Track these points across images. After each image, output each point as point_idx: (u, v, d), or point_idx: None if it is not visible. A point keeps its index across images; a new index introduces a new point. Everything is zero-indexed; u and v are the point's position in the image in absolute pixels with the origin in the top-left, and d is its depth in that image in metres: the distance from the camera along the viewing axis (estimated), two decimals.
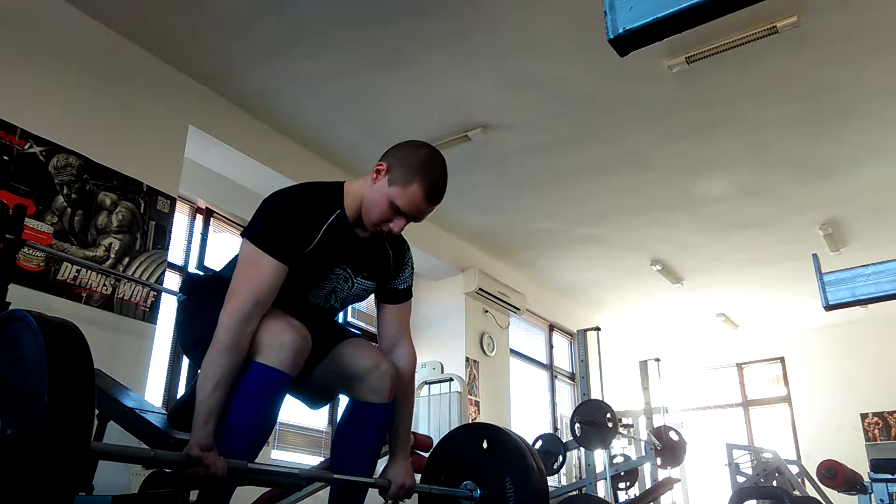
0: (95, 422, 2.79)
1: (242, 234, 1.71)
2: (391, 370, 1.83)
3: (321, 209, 1.75)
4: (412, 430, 3.98)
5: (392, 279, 1.94)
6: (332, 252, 1.76)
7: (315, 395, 1.95)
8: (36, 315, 1.24)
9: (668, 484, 5.68)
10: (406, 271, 1.98)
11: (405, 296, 1.97)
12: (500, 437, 1.99)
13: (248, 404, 1.60)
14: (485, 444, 1.97)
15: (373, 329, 5.87)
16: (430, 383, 5.72)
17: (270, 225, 1.68)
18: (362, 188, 1.80)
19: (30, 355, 1.21)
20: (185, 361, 3.53)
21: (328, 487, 2.02)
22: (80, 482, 1.19)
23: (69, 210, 3.38)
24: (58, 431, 1.13)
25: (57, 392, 1.15)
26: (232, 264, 1.81)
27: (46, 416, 1.12)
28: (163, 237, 3.82)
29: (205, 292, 1.84)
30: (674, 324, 8.67)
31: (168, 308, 3.82)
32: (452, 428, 5.32)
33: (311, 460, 4.97)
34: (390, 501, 1.90)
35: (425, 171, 1.75)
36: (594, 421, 4.90)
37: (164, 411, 2.83)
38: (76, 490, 1.17)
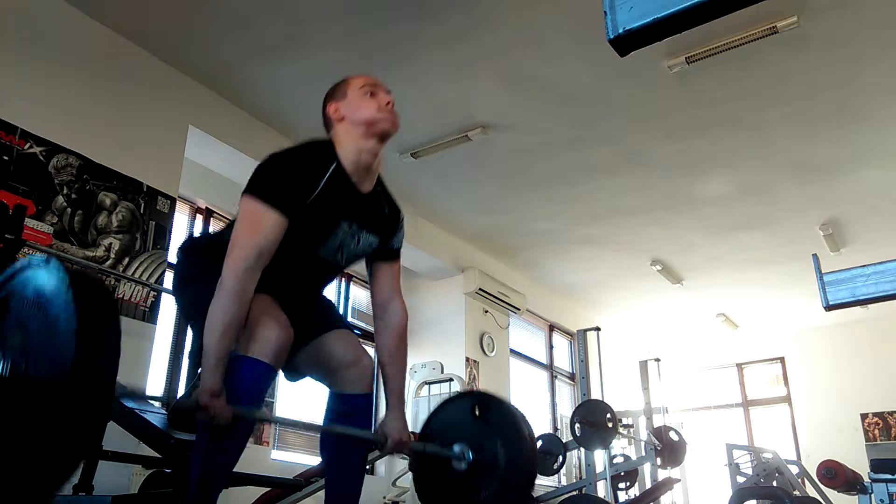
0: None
1: (242, 193, 1.74)
2: (371, 365, 1.90)
3: (318, 161, 1.79)
4: (411, 430, 3.99)
5: (391, 236, 2.00)
6: (335, 205, 1.80)
7: (294, 371, 2.00)
8: (60, 261, 1.25)
9: (668, 484, 5.68)
10: (401, 230, 2.04)
11: (398, 254, 2.05)
12: (491, 404, 2.03)
13: (235, 394, 1.64)
14: (476, 411, 2.01)
15: (372, 329, 5.88)
16: (429, 383, 5.73)
17: (268, 179, 1.73)
18: (340, 130, 1.87)
19: (55, 301, 1.20)
20: (185, 362, 3.52)
21: None
22: (102, 431, 1.20)
23: (69, 210, 3.38)
24: (85, 376, 1.13)
25: (85, 337, 1.14)
26: (231, 226, 1.83)
27: (75, 360, 1.12)
28: (163, 237, 3.82)
29: (204, 256, 1.86)
30: (674, 324, 8.67)
31: (168, 308, 3.82)
32: None
33: (312, 460, 4.97)
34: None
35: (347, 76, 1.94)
36: (594, 421, 4.90)
37: (164, 411, 2.83)
38: (99, 438, 1.18)
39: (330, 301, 2.12)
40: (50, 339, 1.19)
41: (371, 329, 5.90)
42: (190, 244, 2.06)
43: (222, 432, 1.58)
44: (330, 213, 1.80)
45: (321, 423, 1.88)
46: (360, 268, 6.23)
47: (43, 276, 1.25)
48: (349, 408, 1.86)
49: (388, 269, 2.01)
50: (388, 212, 1.97)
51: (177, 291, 1.96)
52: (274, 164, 1.76)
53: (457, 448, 1.94)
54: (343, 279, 5.91)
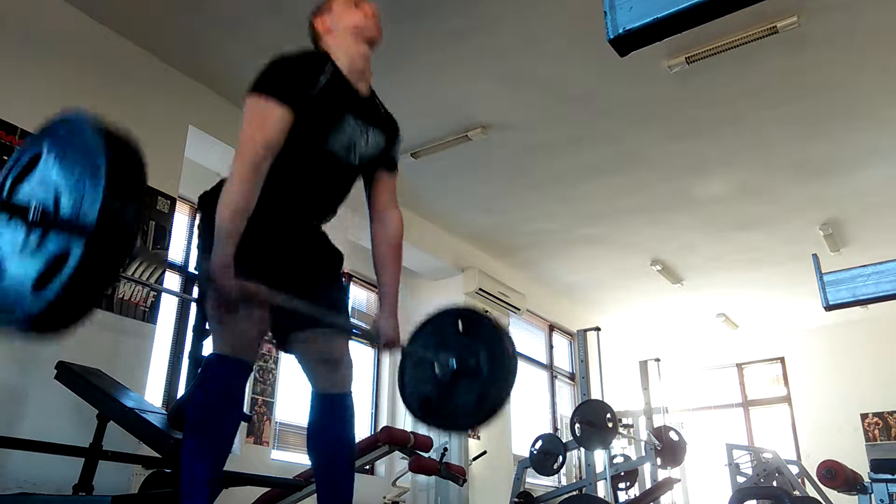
0: (98, 420, 2.79)
1: (247, 94, 1.80)
2: (352, 365, 1.94)
3: (317, 61, 1.89)
4: (412, 431, 3.99)
5: (393, 142, 2.05)
6: (339, 100, 1.87)
7: (285, 346, 2.01)
8: (94, 115, 1.34)
9: (668, 484, 5.69)
10: (399, 140, 2.10)
11: (396, 165, 2.10)
12: (474, 318, 2.12)
13: (211, 393, 1.72)
14: (460, 326, 2.10)
15: None
16: None
17: (271, 75, 1.80)
18: (329, 41, 1.97)
19: (87, 153, 1.27)
20: (185, 362, 3.50)
21: None
22: (118, 276, 1.28)
23: None
24: (111, 226, 1.20)
25: (114, 189, 1.21)
26: None
27: (102, 211, 1.19)
28: (163, 237, 3.82)
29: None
30: (674, 324, 8.67)
31: (168, 308, 3.82)
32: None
33: None
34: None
35: None
36: (594, 421, 4.90)
37: (164, 411, 2.84)
38: (115, 281, 1.26)
39: (345, 293, 2.12)
40: (80, 189, 1.25)
41: None
42: (209, 193, 2.01)
43: (232, 307, 1.64)
44: (335, 107, 1.85)
45: (324, 315, 1.87)
46: (359, 268, 6.20)
47: (77, 130, 1.33)
48: (329, 407, 1.88)
49: (388, 179, 2.06)
50: (386, 117, 2.04)
51: (197, 254, 1.97)
52: (275, 63, 1.82)
53: (442, 356, 2.03)
54: (343, 279, 5.91)
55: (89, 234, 1.19)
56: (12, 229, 1.29)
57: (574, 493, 5.21)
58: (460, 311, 2.20)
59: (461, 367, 2.02)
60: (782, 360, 8.87)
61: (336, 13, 1.97)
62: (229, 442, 1.74)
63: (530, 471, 5.42)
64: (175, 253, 4.27)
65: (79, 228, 1.21)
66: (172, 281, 4.28)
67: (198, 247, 1.89)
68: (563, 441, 5.34)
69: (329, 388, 1.88)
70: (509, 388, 2.05)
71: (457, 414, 2.05)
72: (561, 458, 5.22)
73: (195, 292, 3.27)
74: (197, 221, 2.01)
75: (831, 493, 5.39)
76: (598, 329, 5.66)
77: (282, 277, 1.78)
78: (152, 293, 3.66)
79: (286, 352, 2.01)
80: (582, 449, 5.18)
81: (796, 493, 5.36)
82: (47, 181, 1.32)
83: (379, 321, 1.99)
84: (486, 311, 2.26)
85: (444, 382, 2.04)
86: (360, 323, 1.94)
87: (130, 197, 1.24)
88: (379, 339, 1.96)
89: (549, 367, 7.71)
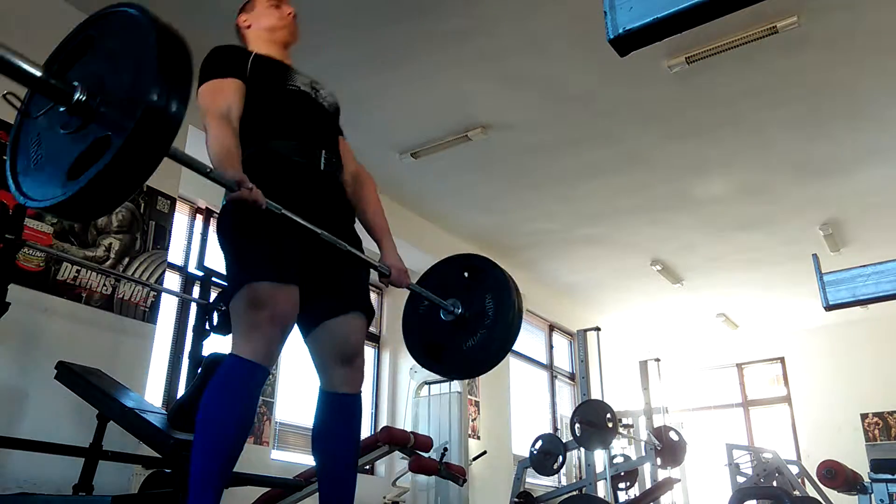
0: (98, 420, 2.78)
1: (197, 90, 1.88)
2: (363, 366, 1.95)
3: (242, 49, 2.04)
4: (412, 431, 3.99)
5: (339, 109, 2.14)
6: (276, 63, 2.02)
7: (305, 328, 1.98)
8: (147, 11, 1.33)
9: (668, 484, 5.68)
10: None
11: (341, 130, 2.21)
12: (481, 266, 2.18)
13: (226, 396, 1.69)
14: (466, 274, 2.16)
15: (373, 330, 5.88)
16: (430, 384, 5.72)
17: (209, 64, 1.92)
18: (249, 36, 2.11)
19: (139, 43, 1.27)
20: (185, 362, 3.50)
21: None
22: (152, 171, 1.28)
23: None
24: (157, 109, 1.19)
25: (161, 74, 1.22)
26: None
27: (149, 94, 1.19)
28: (163, 237, 3.82)
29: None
30: (674, 324, 8.67)
31: (168, 308, 3.81)
32: (452, 429, 5.34)
33: (312, 460, 4.97)
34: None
35: None
36: (594, 421, 4.90)
37: (164, 411, 2.84)
38: (149, 174, 1.26)
39: (364, 274, 2.07)
40: (126, 79, 1.26)
41: (372, 330, 5.91)
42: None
43: (256, 205, 1.68)
44: (276, 63, 2.01)
45: (333, 240, 1.83)
46: None
47: (127, 20, 1.33)
48: (339, 407, 1.89)
49: (344, 142, 2.14)
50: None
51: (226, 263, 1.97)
52: (207, 58, 1.94)
53: (449, 302, 2.10)
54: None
55: (132, 124, 1.18)
56: (55, 114, 1.30)
57: (574, 493, 5.20)
58: (467, 257, 2.24)
59: (466, 313, 2.08)
60: (782, 360, 8.87)
61: (257, 13, 2.10)
62: (240, 445, 1.72)
63: (530, 471, 5.42)
64: (175, 253, 4.27)
65: (122, 118, 1.21)
66: (172, 281, 4.28)
67: (223, 249, 1.87)
68: (563, 441, 5.33)
69: (340, 387, 1.88)
70: (513, 335, 2.11)
71: (461, 360, 2.09)
72: (561, 458, 5.22)
73: (211, 297, 3.27)
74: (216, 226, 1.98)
75: (831, 493, 5.39)
76: (598, 329, 5.66)
77: (305, 214, 1.78)
78: (152, 293, 3.66)
79: (306, 343, 2.01)
80: (582, 449, 5.18)
81: (796, 493, 5.36)
82: (93, 69, 1.33)
83: (386, 258, 2.06)
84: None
85: (448, 328, 2.08)
86: (370, 259, 1.95)
87: (176, 91, 1.23)
88: (390, 273, 2.00)
89: (549, 367, 7.71)
